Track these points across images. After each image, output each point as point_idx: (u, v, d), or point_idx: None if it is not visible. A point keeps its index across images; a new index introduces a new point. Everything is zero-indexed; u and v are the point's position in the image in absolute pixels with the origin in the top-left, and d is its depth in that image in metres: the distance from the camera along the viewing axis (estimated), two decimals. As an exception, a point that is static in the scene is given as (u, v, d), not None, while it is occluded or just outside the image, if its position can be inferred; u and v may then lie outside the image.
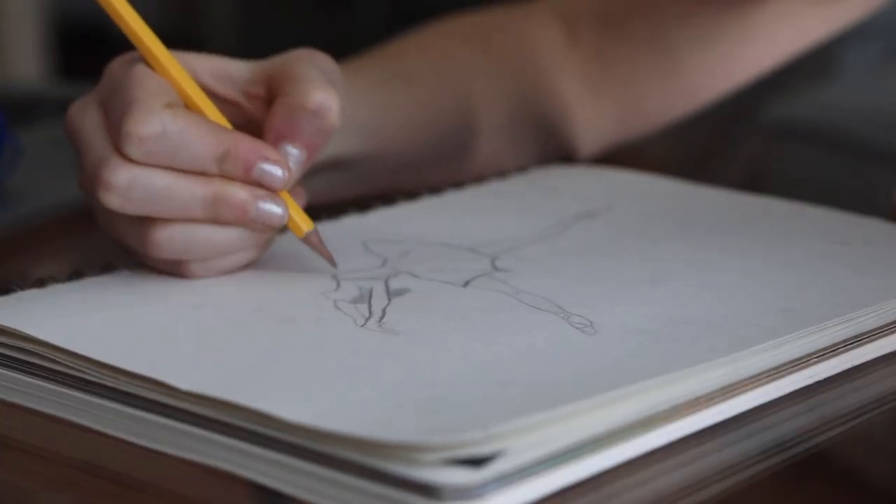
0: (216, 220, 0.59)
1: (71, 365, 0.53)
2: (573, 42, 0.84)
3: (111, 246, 0.62)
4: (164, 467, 0.50)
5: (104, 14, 0.63)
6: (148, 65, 0.61)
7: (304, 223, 0.61)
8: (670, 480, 0.48)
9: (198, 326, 0.56)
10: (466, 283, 0.60)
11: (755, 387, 0.52)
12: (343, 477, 0.46)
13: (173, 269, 0.61)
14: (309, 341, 0.54)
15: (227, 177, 0.59)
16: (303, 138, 0.61)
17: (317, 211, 0.71)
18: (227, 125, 0.61)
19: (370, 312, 0.57)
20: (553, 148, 0.84)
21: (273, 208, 0.60)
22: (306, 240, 0.62)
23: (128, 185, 0.58)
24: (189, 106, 0.61)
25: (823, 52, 1.06)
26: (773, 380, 0.53)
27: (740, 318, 0.55)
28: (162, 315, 0.57)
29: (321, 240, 0.62)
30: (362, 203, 0.71)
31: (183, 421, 0.50)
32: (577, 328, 0.55)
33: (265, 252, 0.62)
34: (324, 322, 0.56)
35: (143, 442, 0.51)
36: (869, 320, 0.56)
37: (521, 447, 0.45)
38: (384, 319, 0.56)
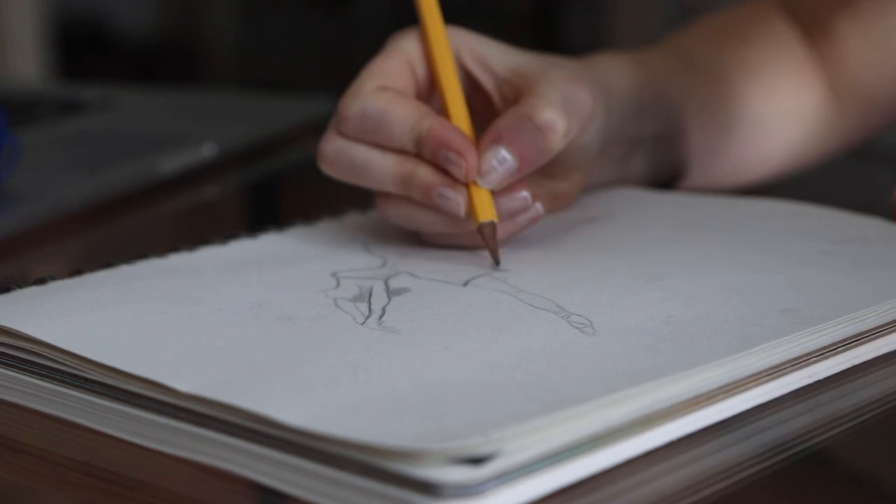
0: (409, 197, 0.64)
1: (70, 364, 0.53)
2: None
3: (111, 245, 0.63)
4: (165, 467, 0.50)
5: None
6: (425, 35, 0.68)
7: (482, 214, 0.63)
8: (670, 480, 0.48)
9: (197, 325, 0.56)
10: (466, 283, 0.61)
11: (755, 387, 0.52)
12: (342, 475, 0.46)
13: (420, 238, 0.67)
14: (309, 339, 0.54)
15: (423, 159, 0.64)
16: (519, 147, 0.64)
17: (317, 211, 0.71)
18: (465, 114, 0.66)
19: (370, 311, 0.57)
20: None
21: (450, 195, 0.63)
22: (479, 230, 0.63)
23: (334, 155, 0.65)
24: (438, 86, 0.67)
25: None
26: (773, 379, 0.53)
27: (740, 318, 0.55)
28: (161, 313, 0.57)
29: (494, 234, 0.63)
30: (363, 203, 0.72)
31: (183, 420, 0.50)
32: (577, 328, 0.55)
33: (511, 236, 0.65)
34: (324, 320, 0.56)
35: (143, 441, 0.51)
36: (869, 320, 0.56)
37: (520, 446, 0.45)
38: (384, 318, 0.56)
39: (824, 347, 0.55)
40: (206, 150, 0.93)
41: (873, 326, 0.57)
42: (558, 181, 0.70)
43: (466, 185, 0.63)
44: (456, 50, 0.68)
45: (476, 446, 0.45)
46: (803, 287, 0.59)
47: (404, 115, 0.64)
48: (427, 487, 0.44)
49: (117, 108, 1.07)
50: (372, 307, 0.58)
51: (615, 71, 0.74)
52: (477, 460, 0.44)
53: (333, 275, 0.61)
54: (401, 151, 0.64)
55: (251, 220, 0.97)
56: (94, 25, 3.69)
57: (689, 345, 0.53)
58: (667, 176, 0.80)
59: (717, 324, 0.55)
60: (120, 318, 0.56)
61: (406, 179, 0.64)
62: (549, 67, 0.67)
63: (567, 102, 0.65)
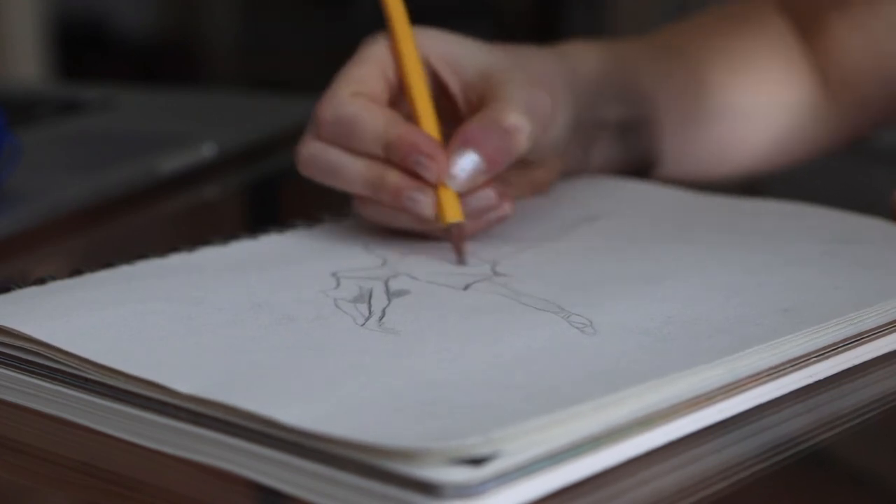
0: (378, 201, 0.66)
1: (70, 364, 0.53)
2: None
3: (111, 245, 0.63)
4: (165, 467, 0.50)
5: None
6: (393, 39, 0.69)
7: (450, 215, 0.65)
8: (670, 480, 0.48)
9: (197, 325, 0.56)
10: (466, 285, 0.61)
11: (755, 387, 0.52)
12: (342, 475, 0.46)
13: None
14: (309, 340, 0.54)
15: (392, 163, 0.66)
16: (487, 150, 0.65)
17: (318, 211, 0.71)
18: (433, 118, 0.68)
19: (370, 312, 0.57)
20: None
21: (419, 197, 0.65)
22: (447, 231, 0.65)
23: (310, 158, 0.67)
24: (406, 91, 0.68)
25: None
26: (773, 380, 0.53)
27: (740, 318, 0.56)
28: (161, 313, 0.57)
29: (461, 235, 0.65)
30: None
31: (183, 420, 0.50)
32: (577, 328, 0.55)
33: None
34: (324, 321, 0.56)
35: (143, 442, 0.51)
36: (869, 320, 0.57)
37: (520, 446, 0.46)
38: (384, 319, 0.56)
39: (824, 347, 0.55)
40: (206, 150, 0.94)
41: (873, 326, 0.57)
42: (534, 170, 0.73)
43: (434, 188, 0.65)
44: (424, 54, 0.69)
45: (476, 446, 0.45)
46: (803, 287, 0.59)
47: (374, 121, 0.66)
48: (427, 487, 0.44)
49: (117, 108, 1.07)
50: (372, 308, 0.58)
51: (581, 57, 0.77)
52: (477, 460, 0.45)
53: (334, 275, 0.61)
54: (372, 156, 0.66)
55: (251, 220, 0.97)
56: (94, 25, 3.69)
57: (688, 345, 0.53)
58: (640, 163, 0.82)
59: (717, 324, 0.55)
60: (120, 318, 0.56)
61: (376, 183, 0.66)
62: (514, 70, 0.69)
63: (531, 105, 0.67)
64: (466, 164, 0.65)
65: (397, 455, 0.45)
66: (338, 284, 0.60)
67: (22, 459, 0.52)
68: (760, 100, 0.86)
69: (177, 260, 0.64)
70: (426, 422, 0.47)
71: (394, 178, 0.65)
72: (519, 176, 0.72)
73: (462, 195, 0.65)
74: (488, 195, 0.66)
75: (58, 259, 0.80)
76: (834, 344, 0.55)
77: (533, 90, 0.68)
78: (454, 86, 0.69)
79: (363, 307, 0.58)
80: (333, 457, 0.46)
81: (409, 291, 0.60)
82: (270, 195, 0.99)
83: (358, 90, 0.67)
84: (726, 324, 0.55)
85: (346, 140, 0.66)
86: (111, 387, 0.52)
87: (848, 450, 0.52)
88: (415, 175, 0.65)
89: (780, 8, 0.89)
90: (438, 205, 0.65)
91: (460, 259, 0.64)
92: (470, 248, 0.65)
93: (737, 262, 0.63)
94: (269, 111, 1.09)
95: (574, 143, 0.75)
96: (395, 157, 0.65)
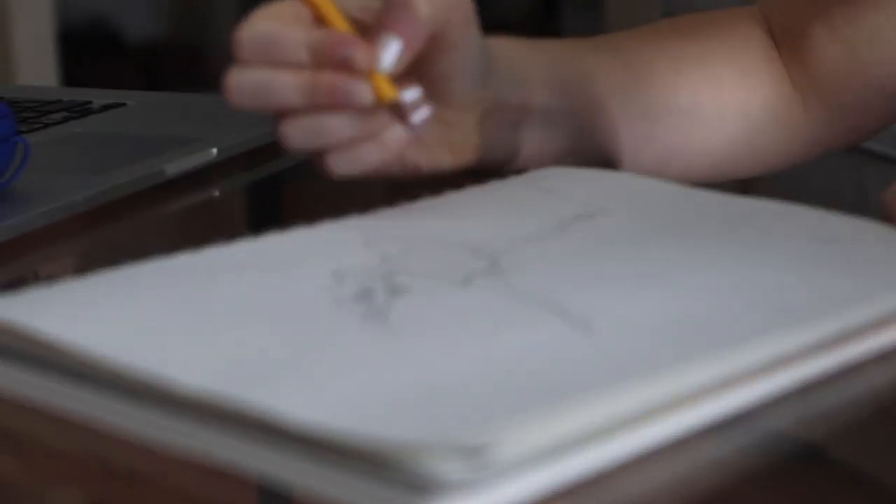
0: (316, 107, 0.68)
1: (78, 362, 0.53)
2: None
3: (117, 245, 0.63)
4: (175, 464, 0.50)
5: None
6: None
7: (388, 94, 0.69)
8: (668, 479, 0.49)
9: (198, 325, 0.56)
10: (466, 283, 0.61)
11: (751, 384, 0.53)
12: (340, 471, 0.46)
13: (321, 166, 0.71)
14: (309, 338, 0.55)
15: (321, 67, 0.68)
16: (398, 28, 0.70)
17: (320, 212, 0.71)
18: (346, 24, 0.71)
19: (370, 310, 0.58)
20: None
21: (356, 86, 0.68)
22: (390, 109, 0.70)
23: (236, 84, 0.69)
24: (322, 18, 0.71)
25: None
26: (768, 378, 0.53)
27: (735, 317, 0.56)
28: (163, 313, 0.57)
29: (403, 111, 0.70)
30: (364, 204, 0.72)
31: (185, 418, 0.50)
32: (576, 327, 0.55)
33: (395, 155, 0.72)
34: (324, 319, 0.57)
35: (148, 439, 0.51)
36: (861, 318, 0.57)
37: (518, 442, 0.46)
38: (384, 317, 0.57)
39: (818, 346, 0.55)
40: (210, 152, 0.94)
41: (866, 323, 0.57)
42: (453, 129, 0.75)
43: (367, 76, 0.69)
44: (342, 6, 0.72)
45: (474, 441, 0.45)
46: (796, 286, 0.60)
47: (294, 31, 0.69)
48: (425, 483, 0.45)
49: (123, 111, 1.07)
50: (373, 306, 0.58)
51: (503, 43, 0.80)
52: (475, 456, 0.45)
53: (334, 273, 0.62)
54: (297, 65, 0.69)
55: (253, 220, 0.97)
56: (102, 32, 3.68)
57: (686, 343, 0.54)
58: (594, 153, 0.83)
59: (713, 322, 0.56)
60: (125, 317, 0.57)
61: (309, 87, 0.68)
62: None
63: None
64: (390, 48, 0.69)
65: (395, 450, 0.45)
66: (338, 283, 0.61)
67: (33, 455, 0.53)
68: (708, 102, 0.86)
69: (180, 260, 0.64)
70: (425, 418, 0.47)
71: (327, 76, 0.68)
72: (438, 138, 0.75)
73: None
74: (416, 90, 0.70)
75: (65, 258, 0.80)
76: (827, 342, 0.56)
77: None
78: (368, 18, 0.72)
79: (363, 305, 0.58)
80: (332, 452, 0.46)
81: (410, 289, 0.60)
82: (272, 196, 0.99)
83: (272, 15, 0.70)
84: (721, 322, 0.56)
85: (269, 54, 0.69)
86: (115, 385, 0.52)
87: (845, 448, 0.52)
88: (344, 71, 0.68)
89: (758, 19, 0.89)
90: (375, 89, 0.68)
91: (415, 128, 0.70)
92: (471, 244, 0.65)
93: (731, 261, 0.63)
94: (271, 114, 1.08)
95: (494, 120, 0.78)
96: (322, 58, 0.68)
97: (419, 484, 0.45)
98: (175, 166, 0.91)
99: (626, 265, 0.63)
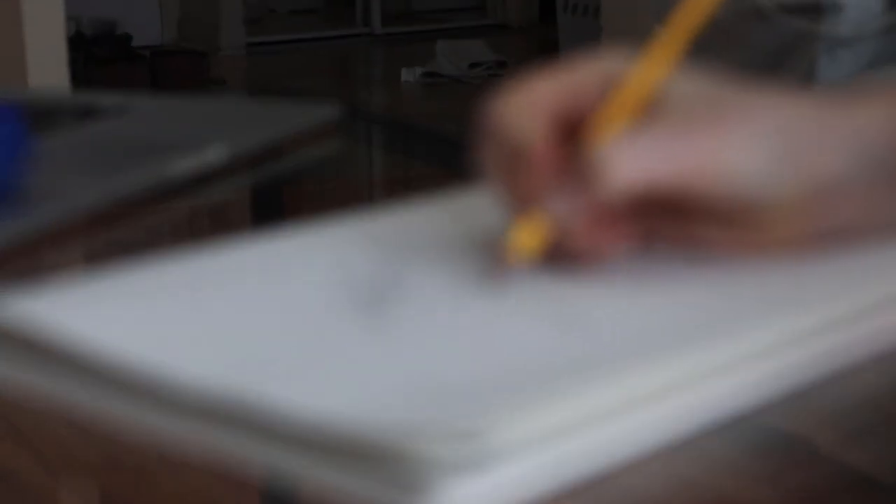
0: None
1: (85, 362, 0.54)
2: None
3: (123, 246, 0.63)
4: (181, 462, 0.50)
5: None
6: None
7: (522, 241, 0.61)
8: (666, 478, 0.49)
9: (199, 324, 0.57)
10: (466, 283, 0.61)
11: (747, 383, 0.53)
12: (338, 463, 0.47)
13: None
14: (309, 336, 0.56)
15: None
16: (573, 190, 0.60)
17: (323, 214, 0.71)
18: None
19: (370, 309, 0.58)
20: None
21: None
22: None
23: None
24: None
25: (801, 64, 1.07)
26: (766, 377, 0.54)
27: (732, 316, 0.57)
28: (165, 312, 0.58)
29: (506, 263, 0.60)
30: (364, 205, 0.72)
31: (187, 416, 0.51)
32: (574, 326, 0.56)
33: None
34: (325, 318, 0.57)
35: (151, 438, 0.51)
36: (856, 311, 0.57)
37: (516, 428, 0.47)
38: (384, 317, 0.57)
39: (814, 343, 0.55)
40: (216, 155, 0.94)
41: (862, 317, 0.57)
42: (707, 226, 0.62)
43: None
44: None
45: (472, 427, 0.46)
46: (793, 284, 0.60)
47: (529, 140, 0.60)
48: (422, 469, 0.45)
49: (131, 114, 1.07)
50: (374, 306, 0.58)
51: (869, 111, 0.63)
52: (473, 441, 0.46)
53: (335, 273, 0.62)
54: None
55: (258, 222, 0.97)
56: (108, 35, 3.69)
57: (685, 342, 0.54)
58: None
59: (711, 320, 0.56)
60: (130, 316, 0.57)
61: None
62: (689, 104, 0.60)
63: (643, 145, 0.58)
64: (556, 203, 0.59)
65: (395, 437, 0.46)
66: (340, 283, 0.61)
67: (42, 453, 0.53)
68: None
69: (186, 261, 0.64)
70: (423, 411, 0.48)
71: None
72: (675, 227, 0.61)
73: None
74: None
75: (72, 259, 0.81)
76: (823, 338, 0.56)
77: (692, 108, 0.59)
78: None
79: (363, 305, 0.58)
80: (332, 442, 0.47)
81: (410, 288, 0.60)
82: (277, 199, 0.99)
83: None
84: (719, 321, 0.56)
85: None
86: (120, 384, 0.52)
87: (841, 446, 0.52)
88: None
89: None
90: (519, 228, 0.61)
91: (496, 277, 0.60)
92: (471, 245, 0.64)
93: (726, 259, 0.62)
94: (277, 116, 1.07)
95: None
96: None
97: (418, 470, 0.45)
98: (181, 169, 0.91)
99: (625, 263, 0.62)
